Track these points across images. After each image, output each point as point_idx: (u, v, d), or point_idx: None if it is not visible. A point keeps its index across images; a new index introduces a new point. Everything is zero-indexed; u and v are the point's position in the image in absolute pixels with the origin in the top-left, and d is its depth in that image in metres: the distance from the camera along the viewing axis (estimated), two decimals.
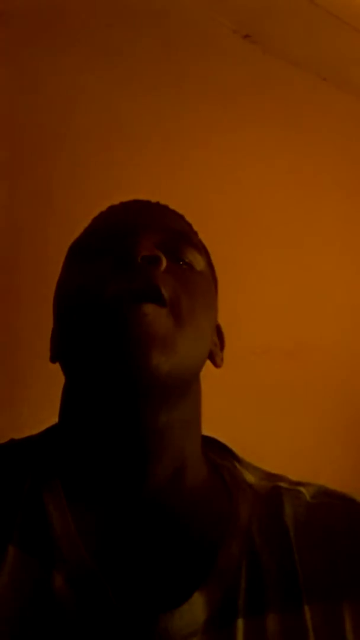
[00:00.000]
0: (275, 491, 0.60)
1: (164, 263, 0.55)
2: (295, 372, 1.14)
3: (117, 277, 0.53)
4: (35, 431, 0.62)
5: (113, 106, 0.98)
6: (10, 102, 0.88)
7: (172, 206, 0.66)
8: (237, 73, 1.18)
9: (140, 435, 0.55)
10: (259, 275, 1.13)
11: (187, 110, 1.08)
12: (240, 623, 0.51)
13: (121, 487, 0.56)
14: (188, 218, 0.67)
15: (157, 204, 0.65)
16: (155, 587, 0.52)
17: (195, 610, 0.50)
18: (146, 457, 0.55)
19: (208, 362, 0.63)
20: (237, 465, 0.63)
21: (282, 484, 0.61)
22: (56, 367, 0.60)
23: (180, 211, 0.66)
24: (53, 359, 0.62)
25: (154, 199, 0.66)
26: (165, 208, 0.65)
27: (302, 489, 0.61)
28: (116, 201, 0.65)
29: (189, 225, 0.66)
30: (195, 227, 0.67)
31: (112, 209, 0.65)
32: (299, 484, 0.62)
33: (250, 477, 0.62)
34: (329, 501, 0.60)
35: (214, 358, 0.64)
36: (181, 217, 0.66)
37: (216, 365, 0.64)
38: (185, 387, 0.56)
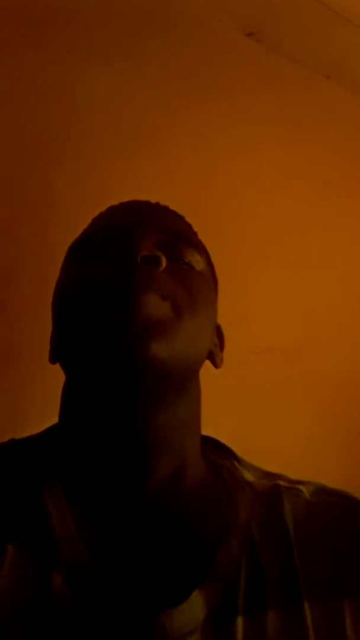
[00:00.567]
0: (274, 490, 0.60)
1: (164, 263, 0.55)
2: (295, 372, 1.14)
3: (117, 277, 0.53)
4: (35, 431, 0.62)
5: (115, 105, 0.97)
6: (12, 103, 0.88)
7: (174, 206, 0.66)
8: (241, 71, 1.18)
9: (139, 434, 0.55)
10: (260, 275, 1.13)
11: (190, 108, 1.08)
12: (239, 621, 0.51)
13: (121, 486, 0.56)
14: (190, 218, 0.67)
15: (157, 204, 0.65)
16: (155, 586, 0.52)
17: (194, 608, 0.50)
18: (146, 456, 0.56)
19: (208, 363, 0.64)
20: (237, 464, 0.63)
21: (282, 483, 0.61)
22: (56, 367, 0.61)
23: (182, 211, 0.67)
24: (52, 360, 0.62)
25: (156, 199, 0.66)
26: (165, 208, 0.65)
27: (301, 487, 0.61)
28: (118, 201, 0.65)
29: (189, 225, 0.66)
30: (197, 227, 0.67)
31: (111, 209, 0.65)
32: (298, 482, 0.62)
33: (249, 476, 0.62)
34: (329, 499, 0.61)
35: (214, 358, 0.64)
36: (181, 217, 0.66)
37: (216, 365, 0.64)
38: (183, 382, 0.56)
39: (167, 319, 0.53)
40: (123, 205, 0.65)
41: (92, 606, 0.49)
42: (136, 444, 0.55)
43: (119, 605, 0.49)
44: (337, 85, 1.34)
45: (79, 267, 0.59)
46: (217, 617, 0.51)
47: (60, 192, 0.90)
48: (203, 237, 0.67)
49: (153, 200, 0.65)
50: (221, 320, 0.68)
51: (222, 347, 0.67)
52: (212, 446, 0.64)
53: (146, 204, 0.65)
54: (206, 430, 0.64)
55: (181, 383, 0.56)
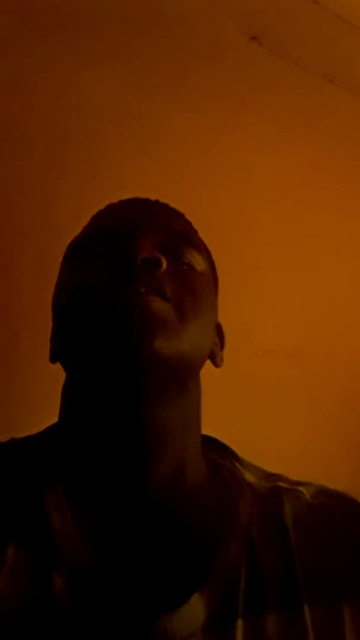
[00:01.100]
0: (275, 491, 0.60)
1: (164, 265, 0.55)
2: (297, 374, 1.13)
3: (118, 280, 0.53)
4: (35, 430, 0.62)
5: (117, 106, 0.98)
6: (13, 104, 0.88)
7: (176, 207, 0.66)
8: (244, 74, 1.18)
9: (140, 433, 0.55)
10: (262, 277, 1.13)
11: (193, 111, 1.08)
12: (239, 623, 0.51)
13: (121, 486, 0.55)
14: (191, 218, 0.67)
15: (157, 202, 0.65)
16: (155, 588, 0.51)
17: (194, 611, 0.50)
18: (146, 456, 0.55)
19: (209, 363, 0.63)
20: (237, 465, 0.63)
21: (282, 484, 0.61)
22: (56, 367, 0.61)
23: (184, 212, 0.66)
24: (52, 359, 0.62)
25: (157, 199, 0.65)
26: (164, 207, 0.65)
27: (302, 488, 0.61)
28: (119, 200, 0.65)
29: (189, 223, 0.66)
30: (199, 228, 0.67)
31: (110, 207, 0.65)
32: (298, 483, 0.62)
33: (250, 477, 0.62)
34: (329, 501, 0.60)
35: (214, 357, 0.64)
36: (181, 215, 0.66)
37: (216, 364, 0.64)
38: (184, 381, 0.56)
39: (170, 319, 0.53)
40: (122, 204, 0.64)
41: (92, 608, 0.49)
42: (137, 443, 0.55)
43: (120, 607, 0.49)
44: (340, 89, 1.34)
45: (79, 267, 0.58)
46: (218, 619, 0.51)
47: (61, 192, 0.90)
48: (204, 239, 0.67)
49: (153, 199, 0.65)
50: (223, 322, 0.68)
51: (222, 346, 0.67)
52: (213, 446, 0.64)
53: (146, 202, 0.64)
54: (208, 431, 0.64)
55: (182, 382, 0.56)
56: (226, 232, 1.02)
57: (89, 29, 0.96)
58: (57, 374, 0.60)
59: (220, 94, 1.13)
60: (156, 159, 1.01)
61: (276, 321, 1.13)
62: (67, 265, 0.62)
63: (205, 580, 0.52)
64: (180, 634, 0.49)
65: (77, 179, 0.91)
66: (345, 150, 1.33)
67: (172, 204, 0.66)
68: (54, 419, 0.61)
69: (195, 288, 0.57)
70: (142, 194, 0.66)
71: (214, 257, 0.67)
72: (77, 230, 0.64)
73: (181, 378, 0.55)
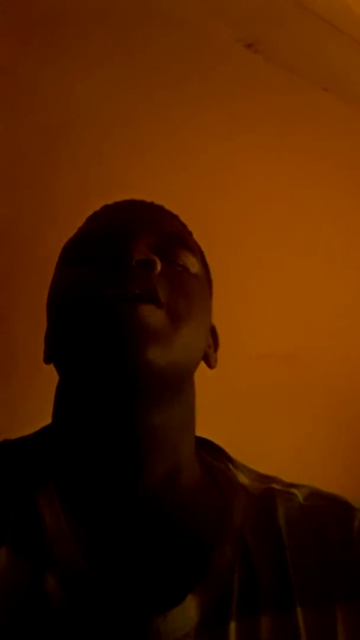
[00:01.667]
0: (268, 493, 0.60)
1: (159, 266, 0.55)
2: (292, 378, 1.14)
3: (112, 281, 0.53)
4: (30, 431, 0.62)
5: (113, 112, 0.98)
6: (11, 106, 0.88)
7: (170, 210, 0.66)
8: (239, 82, 1.19)
9: (134, 435, 0.55)
10: (257, 281, 1.13)
11: (188, 117, 1.08)
12: (233, 625, 0.51)
13: (115, 488, 0.55)
14: (187, 222, 0.67)
15: (152, 204, 0.65)
16: (148, 589, 0.51)
17: (188, 612, 0.50)
18: (140, 458, 0.55)
19: (203, 365, 0.64)
20: (231, 466, 0.63)
21: (275, 486, 0.61)
22: (51, 368, 0.60)
23: (180, 216, 0.67)
24: (47, 360, 0.62)
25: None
26: (159, 208, 0.65)
27: (295, 490, 0.61)
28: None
29: (184, 225, 0.66)
30: (195, 232, 0.67)
31: (105, 209, 0.65)
32: (292, 485, 0.62)
33: (243, 479, 0.61)
34: (322, 503, 0.60)
35: (208, 359, 0.64)
36: (175, 217, 0.66)
37: (210, 366, 0.64)
38: (179, 386, 0.56)
39: (162, 326, 0.53)
40: (117, 205, 0.64)
41: (85, 608, 0.49)
42: (131, 444, 0.55)
43: (113, 607, 0.49)
44: (334, 97, 1.35)
45: (74, 269, 0.58)
46: (211, 621, 0.51)
47: (58, 193, 0.90)
48: (200, 243, 0.67)
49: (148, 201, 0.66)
50: (219, 326, 0.68)
51: (216, 348, 0.67)
52: (206, 447, 0.64)
53: (140, 204, 0.64)
54: (202, 434, 0.64)
55: (177, 386, 0.56)
56: (222, 237, 1.03)
57: (87, 34, 0.96)
58: (53, 374, 0.60)
59: (215, 100, 1.14)
60: (152, 164, 1.01)
61: (271, 325, 1.13)
62: (61, 266, 0.62)
63: (199, 582, 0.52)
64: (173, 635, 0.49)
65: (74, 182, 0.91)
66: (339, 157, 1.34)
67: (168, 207, 0.66)
68: (48, 419, 0.61)
69: (189, 290, 0.57)
70: (139, 197, 0.66)
71: (210, 260, 0.67)
72: (74, 231, 0.64)
73: (175, 383, 0.55)
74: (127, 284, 0.53)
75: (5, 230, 0.86)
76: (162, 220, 0.63)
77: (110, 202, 0.66)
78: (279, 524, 0.58)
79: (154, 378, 0.52)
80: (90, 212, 0.65)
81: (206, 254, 0.67)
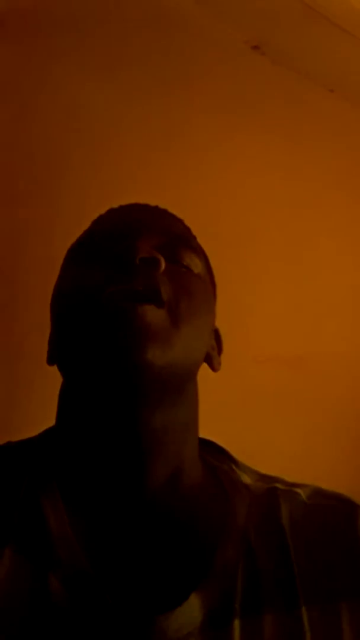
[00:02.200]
0: (271, 492, 0.60)
1: (163, 265, 0.55)
2: (297, 381, 1.14)
3: (116, 278, 0.54)
4: (33, 433, 0.62)
5: (119, 113, 0.98)
6: (14, 110, 0.89)
7: (176, 213, 0.66)
8: (246, 83, 1.19)
9: (137, 437, 0.55)
10: (263, 284, 1.13)
11: (194, 119, 1.09)
12: (236, 624, 0.51)
13: (118, 489, 0.56)
14: (192, 225, 0.67)
15: (156, 207, 0.65)
16: (152, 589, 0.52)
17: (191, 611, 0.50)
18: (143, 459, 0.55)
19: (208, 368, 0.64)
20: (234, 467, 0.63)
21: (279, 485, 0.61)
22: (54, 370, 0.61)
23: (184, 218, 0.67)
24: (50, 361, 0.62)
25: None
26: (164, 211, 0.65)
27: (298, 490, 0.61)
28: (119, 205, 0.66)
29: (188, 228, 0.66)
30: (199, 235, 0.67)
31: (111, 211, 0.65)
32: (295, 485, 0.62)
33: (246, 479, 0.62)
34: (326, 502, 0.60)
35: (212, 362, 0.64)
36: (180, 220, 0.66)
37: (213, 369, 0.64)
38: (180, 387, 0.57)
39: (164, 326, 0.53)
40: (123, 208, 0.65)
41: (89, 609, 0.49)
42: (134, 446, 0.55)
43: (117, 607, 0.49)
44: (340, 99, 1.35)
45: (78, 269, 0.59)
46: (215, 620, 0.51)
47: (62, 196, 0.90)
48: (205, 246, 0.67)
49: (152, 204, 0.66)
50: (224, 328, 0.68)
51: (220, 351, 0.67)
52: (209, 448, 0.64)
53: (146, 207, 0.65)
54: (207, 436, 0.64)
55: (179, 386, 0.56)
56: (226, 239, 1.03)
57: (89, 38, 0.96)
58: (55, 376, 0.60)
59: (222, 102, 1.14)
60: (157, 166, 1.01)
61: (276, 328, 1.13)
62: (66, 267, 0.62)
63: (203, 581, 0.52)
64: (177, 634, 0.49)
65: (78, 185, 0.92)
66: (346, 159, 1.34)
67: (173, 211, 0.66)
68: (52, 421, 0.62)
69: (192, 290, 0.58)
70: (143, 200, 0.67)
71: (214, 263, 0.67)
72: (78, 232, 0.64)
73: (177, 384, 0.55)
74: (131, 281, 0.53)
75: (8, 233, 0.86)
76: (166, 222, 0.63)
77: (114, 204, 0.66)
78: (283, 523, 0.58)
79: (153, 378, 0.52)
80: (94, 214, 0.66)
81: (211, 256, 0.67)
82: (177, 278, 0.57)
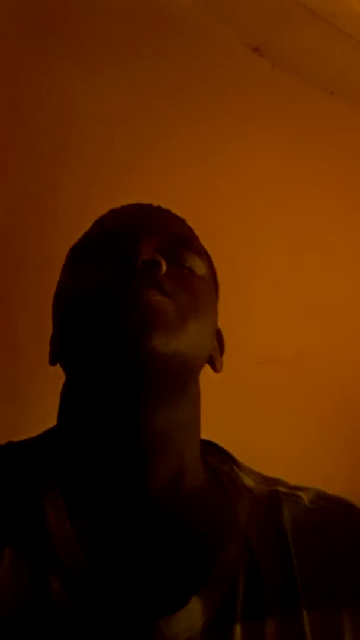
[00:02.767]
0: (273, 496, 0.60)
1: (164, 267, 0.55)
2: (297, 382, 1.14)
3: (118, 279, 0.54)
4: (34, 433, 0.62)
5: (118, 115, 0.98)
6: (13, 110, 0.88)
7: (176, 213, 0.67)
8: (246, 85, 1.19)
9: (139, 436, 0.55)
10: (263, 285, 1.13)
11: (194, 120, 1.09)
12: (238, 628, 0.50)
13: (120, 490, 0.55)
14: (193, 225, 0.67)
15: (159, 207, 0.65)
16: (153, 591, 0.51)
17: (193, 615, 0.50)
18: (145, 459, 0.55)
19: (210, 370, 0.64)
20: (236, 469, 0.63)
21: (281, 489, 0.61)
22: (55, 370, 0.61)
23: (185, 218, 0.67)
24: (52, 361, 0.62)
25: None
26: (166, 212, 0.65)
27: (300, 493, 0.61)
28: (120, 206, 0.66)
29: (190, 229, 0.66)
30: (200, 235, 0.67)
31: (112, 212, 0.65)
32: (297, 488, 0.62)
33: (248, 481, 0.61)
34: (328, 506, 0.60)
35: (214, 362, 0.64)
36: (182, 221, 0.66)
37: (215, 370, 0.64)
38: (183, 383, 0.57)
39: (169, 315, 0.53)
40: (124, 208, 0.65)
41: (90, 611, 0.49)
42: (136, 445, 0.55)
43: (118, 610, 0.49)
44: (340, 101, 1.35)
45: (80, 270, 0.59)
46: (216, 624, 0.50)
47: (62, 195, 0.90)
48: (206, 247, 0.67)
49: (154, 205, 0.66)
50: (225, 329, 0.68)
51: (222, 352, 0.67)
52: (211, 450, 0.64)
53: (148, 207, 0.65)
54: (210, 437, 0.64)
55: (181, 384, 0.56)
56: (227, 241, 1.03)
57: (90, 39, 0.97)
58: (57, 377, 0.60)
59: (222, 104, 1.14)
60: (157, 167, 1.01)
61: (277, 329, 1.13)
62: (68, 267, 0.62)
63: (204, 584, 0.52)
64: (178, 638, 0.49)
65: (78, 185, 0.91)
66: (345, 161, 1.34)
67: (173, 211, 0.66)
68: (53, 422, 0.61)
69: (194, 291, 0.58)
70: (143, 200, 0.66)
71: (216, 264, 0.67)
72: (79, 234, 0.64)
73: (179, 379, 0.55)
74: (133, 283, 0.53)
75: (9, 234, 0.86)
76: (168, 223, 0.63)
77: (114, 204, 0.66)
78: (285, 526, 0.58)
79: (157, 366, 0.52)
80: (95, 215, 0.66)
81: (213, 257, 0.67)
82: (179, 279, 0.57)
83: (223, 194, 1.11)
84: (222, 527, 0.56)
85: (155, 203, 0.66)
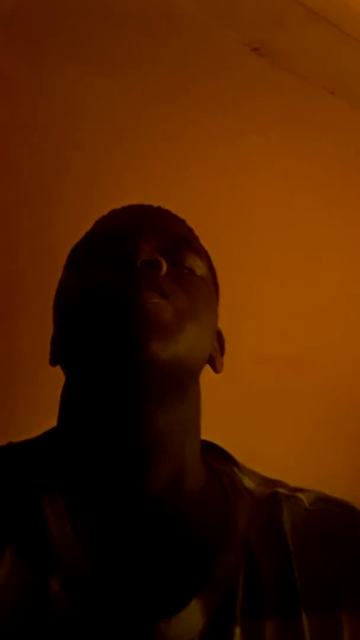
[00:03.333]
0: (273, 497, 0.60)
1: (164, 267, 0.55)
2: (298, 382, 1.14)
3: (118, 280, 0.54)
4: (34, 434, 0.62)
5: (118, 114, 0.98)
6: (14, 111, 0.88)
7: (176, 214, 0.66)
8: (246, 85, 1.19)
9: (139, 438, 0.55)
10: (264, 285, 1.13)
11: (194, 120, 1.09)
12: (238, 630, 0.50)
13: (120, 491, 0.55)
14: (192, 226, 0.67)
15: (159, 208, 0.65)
16: (153, 593, 0.51)
17: (192, 617, 0.50)
18: (145, 461, 0.55)
19: (209, 369, 0.63)
20: (236, 470, 0.62)
21: (281, 490, 0.61)
22: (56, 371, 0.61)
23: (185, 219, 0.67)
24: (52, 362, 0.62)
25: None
26: (166, 213, 0.65)
27: (300, 495, 0.61)
28: (121, 206, 0.66)
29: (190, 230, 0.66)
30: (200, 236, 0.67)
31: (113, 213, 0.65)
32: (297, 490, 0.62)
33: (249, 483, 0.61)
34: (328, 508, 0.60)
35: (214, 363, 0.63)
36: (182, 221, 0.66)
37: (216, 370, 0.64)
38: (183, 385, 0.56)
39: (167, 319, 0.53)
40: (125, 209, 0.65)
41: (89, 613, 0.49)
42: (136, 446, 0.55)
43: (117, 612, 0.49)
44: (341, 101, 1.35)
45: (80, 271, 0.59)
46: (216, 626, 0.50)
47: (62, 198, 0.90)
48: (205, 247, 0.67)
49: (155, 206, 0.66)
50: (225, 329, 0.68)
51: (222, 353, 0.66)
52: (212, 451, 0.64)
53: (148, 208, 0.65)
54: (208, 438, 0.64)
55: (181, 385, 0.56)
56: (227, 240, 1.03)
57: (89, 39, 0.97)
58: (57, 378, 0.60)
59: (222, 104, 1.14)
60: (157, 167, 1.02)
61: (277, 329, 1.13)
62: (68, 268, 0.62)
63: (204, 586, 0.52)
64: (178, 639, 0.49)
65: (78, 185, 0.92)
66: (345, 161, 1.34)
67: (173, 212, 0.66)
68: (53, 422, 0.61)
69: (194, 291, 0.57)
70: (143, 201, 0.66)
71: (216, 264, 0.67)
72: (79, 235, 0.64)
73: (179, 381, 0.55)
74: (132, 283, 0.53)
75: (9, 235, 0.86)
76: (168, 224, 0.63)
77: (114, 205, 0.66)
78: (285, 528, 0.57)
79: (157, 371, 0.52)
80: (94, 216, 0.65)
81: (212, 257, 0.67)
82: (179, 280, 0.57)
83: (222, 193, 1.11)
84: (222, 528, 0.56)
85: (156, 202, 0.66)
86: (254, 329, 1.09)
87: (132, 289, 0.53)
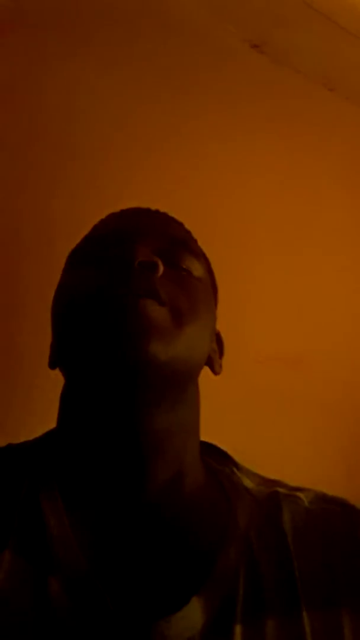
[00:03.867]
0: (273, 497, 0.60)
1: (161, 269, 0.55)
2: (298, 381, 1.13)
3: (115, 281, 0.54)
4: (34, 436, 0.62)
5: (117, 113, 0.98)
6: (13, 110, 0.88)
7: (175, 214, 0.66)
8: (245, 82, 1.19)
9: (138, 438, 0.55)
10: (262, 284, 1.13)
11: (193, 118, 1.08)
12: (238, 629, 0.51)
13: (119, 492, 0.56)
14: (191, 226, 0.67)
15: (157, 211, 0.65)
16: (153, 593, 0.51)
17: (192, 616, 0.50)
18: (144, 461, 0.55)
19: (208, 370, 0.64)
20: (236, 471, 0.63)
21: (281, 490, 0.61)
22: (55, 373, 0.61)
23: (184, 219, 0.67)
24: (52, 365, 0.63)
25: (157, 207, 0.66)
26: (164, 215, 0.65)
27: (300, 494, 0.61)
28: (119, 209, 0.66)
29: (188, 232, 0.66)
30: (199, 236, 0.67)
31: (111, 216, 0.65)
32: (297, 489, 0.62)
33: (248, 483, 0.62)
34: (328, 507, 0.61)
35: (213, 365, 0.64)
36: (180, 224, 0.66)
37: (215, 372, 0.64)
38: (182, 387, 0.57)
39: (165, 323, 0.53)
40: (123, 212, 0.65)
41: (89, 613, 0.49)
42: (135, 448, 0.55)
43: (117, 611, 0.49)
44: (340, 98, 1.35)
45: (78, 273, 0.59)
46: (216, 624, 0.51)
47: (61, 198, 0.90)
48: (204, 246, 0.67)
49: (153, 208, 0.66)
50: (224, 329, 0.68)
51: (221, 354, 0.67)
52: (211, 452, 0.64)
53: (146, 211, 0.65)
54: (209, 438, 0.64)
55: (180, 387, 0.56)
56: (225, 240, 1.03)
57: (89, 37, 0.96)
58: (57, 380, 0.60)
59: (221, 101, 1.14)
60: (156, 165, 1.01)
61: (277, 328, 1.13)
62: (67, 271, 0.62)
63: (204, 586, 0.52)
64: (178, 638, 0.49)
65: (76, 187, 0.91)
66: (345, 158, 1.33)
67: (172, 211, 0.66)
68: (52, 424, 0.62)
69: (192, 293, 0.58)
70: (141, 202, 0.66)
71: (214, 265, 0.67)
72: (78, 238, 0.64)
73: (178, 383, 0.55)
74: (129, 284, 0.53)
75: (8, 237, 0.86)
76: (166, 226, 0.63)
77: (112, 207, 0.66)
78: (284, 527, 0.58)
79: (155, 373, 0.52)
80: (93, 218, 0.66)
81: (210, 257, 0.67)
82: (177, 281, 0.57)
83: (221, 191, 1.11)
84: (222, 528, 0.56)
85: (154, 201, 0.66)
86: (254, 328, 1.09)
87: (130, 290, 0.53)
